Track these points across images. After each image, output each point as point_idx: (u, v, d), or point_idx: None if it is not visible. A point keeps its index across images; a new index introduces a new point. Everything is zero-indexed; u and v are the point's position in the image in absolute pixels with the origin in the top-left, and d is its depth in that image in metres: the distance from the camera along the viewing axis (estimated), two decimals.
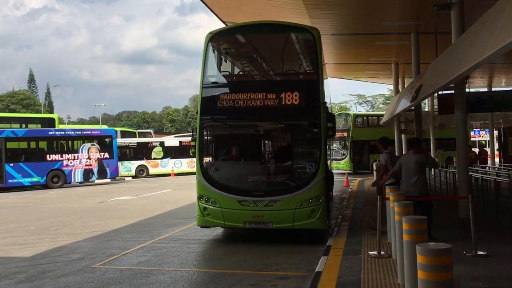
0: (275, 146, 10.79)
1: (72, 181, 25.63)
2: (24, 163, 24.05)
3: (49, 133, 25.85)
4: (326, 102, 9.37)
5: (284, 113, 9.43)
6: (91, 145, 26.11)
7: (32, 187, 24.70)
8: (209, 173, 9.46)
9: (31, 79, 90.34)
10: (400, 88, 25.13)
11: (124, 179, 29.43)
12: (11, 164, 23.64)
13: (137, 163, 31.89)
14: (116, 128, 35.27)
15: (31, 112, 62.56)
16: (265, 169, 9.64)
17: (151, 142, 33.63)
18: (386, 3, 14.34)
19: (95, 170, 26.03)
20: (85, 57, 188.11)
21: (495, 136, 33.59)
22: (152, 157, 32.51)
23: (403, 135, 23.27)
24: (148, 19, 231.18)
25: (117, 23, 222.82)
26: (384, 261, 6.98)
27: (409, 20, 15.90)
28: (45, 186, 24.62)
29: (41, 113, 59.47)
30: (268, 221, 8.89)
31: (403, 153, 23.26)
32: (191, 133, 10.05)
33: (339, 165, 29.96)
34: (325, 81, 10.17)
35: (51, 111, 78.57)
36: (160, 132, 73.06)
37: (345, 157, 30.18)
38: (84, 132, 27.46)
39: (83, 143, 25.93)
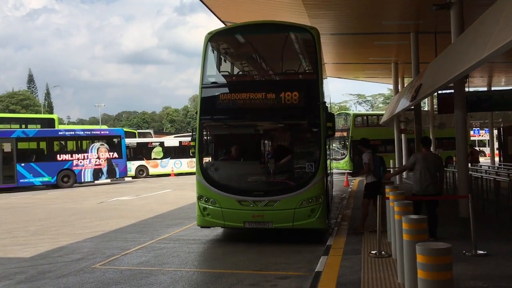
0: (274, 146, 10.79)
1: (82, 180, 25.82)
2: (35, 163, 24.24)
3: (59, 133, 26.29)
4: (325, 102, 9.38)
5: (284, 113, 9.44)
6: (100, 145, 26.29)
7: (39, 187, 24.87)
8: (209, 173, 9.47)
9: (31, 80, 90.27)
10: (399, 88, 25.12)
11: (124, 179, 29.42)
12: (22, 164, 23.82)
13: (137, 163, 31.89)
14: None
15: (30, 113, 62.50)
16: (264, 169, 9.64)
17: (151, 142, 33.65)
18: (385, 2, 14.33)
19: (105, 169, 26.23)
20: (85, 57, 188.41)
21: (494, 135, 33.63)
22: (152, 157, 32.52)
23: (403, 134, 23.26)
24: (148, 19, 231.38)
25: (117, 23, 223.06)
26: (384, 261, 6.98)
27: (408, 19, 15.90)
28: (55, 186, 24.82)
29: (40, 113, 59.46)
30: (268, 221, 8.89)
31: (402, 152, 23.27)
32: (191, 133, 10.06)
33: (339, 165, 29.95)
34: (324, 80, 10.17)
35: (50, 111, 78.52)
36: (160, 132, 73.00)
37: (345, 157, 30.17)
38: (94, 132, 27.76)
39: (92, 143, 26.13)
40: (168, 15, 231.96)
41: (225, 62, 11.06)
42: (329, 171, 11.33)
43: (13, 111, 63.08)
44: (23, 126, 27.95)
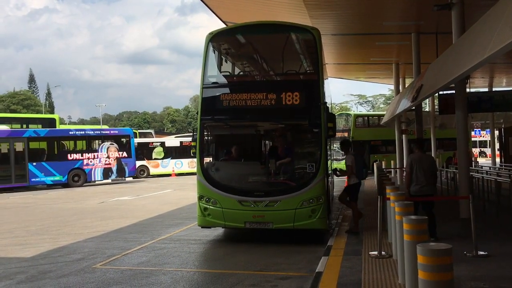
0: (275, 146, 10.78)
1: (92, 179, 26.08)
2: (46, 162, 24.44)
3: (70, 132, 26.65)
4: (326, 102, 9.37)
5: (285, 113, 9.44)
6: (110, 144, 26.50)
7: (49, 186, 25.12)
8: (210, 173, 9.47)
9: (32, 80, 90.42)
10: (400, 88, 25.12)
11: (124, 179, 29.45)
12: (34, 164, 24.00)
13: (138, 163, 31.85)
14: None
15: (31, 113, 62.57)
16: (265, 169, 9.63)
17: (152, 143, 33.67)
18: (386, 3, 14.33)
19: (114, 168, 26.46)
20: (85, 57, 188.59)
21: (495, 136, 33.61)
22: (153, 157, 32.53)
23: (404, 135, 23.24)
24: (148, 19, 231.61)
25: (118, 23, 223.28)
26: (385, 261, 6.98)
27: (409, 20, 15.89)
28: (66, 185, 25.04)
29: (41, 113, 59.49)
30: (268, 221, 8.89)
31: (403, 153, 23.25)
32: (192, 134, 10.06)
33: (340, 165, 29.91)
34: (325, 81, 10.17)
35: (51, 111, 78.59)
36: (160, 132, 73.06)
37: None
38: (103, 132, 28.08)
39: (102, 143, 26.34)
40: (169, 15, 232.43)
41: (226, 62, 11.06)
42: (330, 172, 11.32)
43: (14, 111, 63.11)
44: (24, 126, 28.03)
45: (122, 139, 27.28)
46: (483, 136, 52.09)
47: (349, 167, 9.76)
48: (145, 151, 32.38)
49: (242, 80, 11.19)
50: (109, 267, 7.61)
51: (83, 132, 26.94)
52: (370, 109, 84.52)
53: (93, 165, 25.76)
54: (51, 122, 29.40)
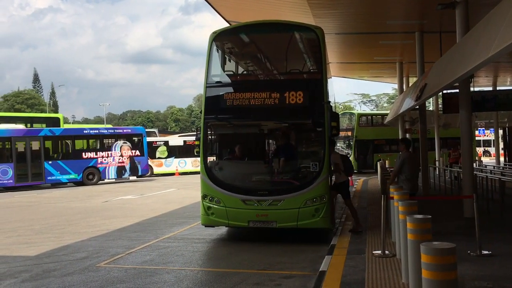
0: (279, 145, 10.78)
1: (106, 178, 26.42)
2: (61, 160, 24.80)
3: (84, 131, 26.97)
4: (330, 101, 9.37)
5: (288, 113, 9.44)
6: (123, 143, 26.84)
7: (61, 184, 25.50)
8: (213, 172, 9.48)
9: (36, 79, 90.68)
10: (404, 87, 25.07)
11: (128, 178, 29.49)
12: (50, 162, 24.35)
13: None
14: None
15: (36, 112, 62.77)
16: (269, 168, 9.64)
17: (156, 142, 33.69)
18: (390, 2, 14.30)
19: (127, 167, 26.80)
20: (89, 56, 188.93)
21: (500, 135, 33.50)
22: (157, 156, 32.57)
23: (407, 134, 23.20)
24: (152, 19, 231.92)
25: (121, 22, 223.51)
26: (389, 261, 6.98)
27: (413, 19, 15.86)
28: (80, 183, 25.36)
29: (46, 112, 59.71)
30: (272, 220, 8.89)
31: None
32: (195, 133, 10.07)
33: None
34: (329, 80, 10.16)
35: (56, 110, 78.81)
36: (164, 131, 73.09)
37: (349, 156, 30.13)
38: (116, 131, 28.61)
39: (115, 141, 26.68)
40: (173, 14, 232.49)
41: (230, 61, 11.07)
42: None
43: (19, 110, 63.36)
44: (28, 125, 28.16)
45: (134, 138, 27.64)
46: (487, 135, 51.92)
47: (338, 165, 9.80)
48: (148, 150, 32.38)
49: (246, 79, 11.20)
50: (113, 265, 7.63)
51: (97, 131, 27.29)
52: (374, 108, 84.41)
53: (107, 163, 26.12)
54: (55, 121, 29.54)
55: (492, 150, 48.99)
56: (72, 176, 25.03)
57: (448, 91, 13.12)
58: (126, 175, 27.07)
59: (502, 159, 32.16)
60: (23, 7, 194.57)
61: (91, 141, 26.66)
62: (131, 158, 26.89)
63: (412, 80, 26.19)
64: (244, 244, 9.30)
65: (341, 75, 30.72)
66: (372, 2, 14.21)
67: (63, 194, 21.12)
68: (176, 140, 35.48)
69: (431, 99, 26.75)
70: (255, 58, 11.37)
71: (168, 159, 32.79)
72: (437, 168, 21.88)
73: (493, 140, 38.59)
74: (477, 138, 44.79)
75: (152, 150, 32.47)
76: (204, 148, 9.46)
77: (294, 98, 9.10)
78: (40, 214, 14.37)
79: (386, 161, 24.42)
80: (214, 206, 9.17)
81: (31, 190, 23.52)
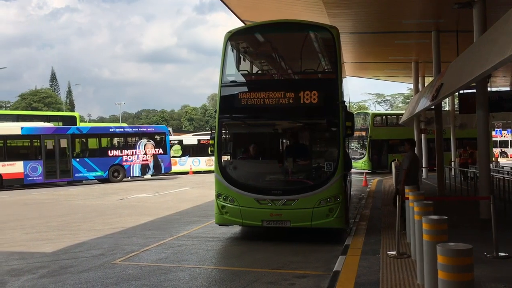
0: (293, 145, 10.78)
1: (131, 175, 27.03)
2: (88, 158, 25.47)
3: (110, 130, 27.80)
4: (344, 101, 9.34)
5: (303, 112, 9.43)
6: (147, 141, 27.40)
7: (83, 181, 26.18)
8: (228, 171, 9.51)
9: (53, 78, 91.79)
10: (420, 87, 24.85)
11: (143, 177, 29.77)
12: (77, 159, 25.01)
13: None
14: None
15: (52, 110, 63.58)
16: (283, 168, 9.64)
17: (170, 140, 33.87)
18: (406, 1, 14.19)
19: (151, 165, 27.41)
20: (105, 56, 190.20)
21: None
22: (171, 155, 32.74)
23: (423, 134, 23.00)
24: (167, 18, 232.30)
25: (137, 22, 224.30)
26: (403, 261, 6.94)
27: (429, 18, 15.72)
28: (106, 180, 25.97)
29: (62, 111, 60.42)
30: (286, 219, 8.89)
31: (422, 152, 23.01)
32: (210, 132, 10.12)
33: (357, 165, 29.78)
34: (343, 80, 10.13)
35: (72, 109, 79.77)
36: (178, 130, 73.49)
37: (364, 157, 29.99)
38: (141, 129, 29.19)
39: (139, 140, 27.23)
40: (188, 14, 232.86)
41: (245, 61, 11.09)
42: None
43: (36, 109, 64.27)
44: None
45: (158, 137, 28.19)
46: (504, 136, 51.23)
47: None
48: None
49: (260, 78, 11.22)
50: (128, 263, 7.72)
51: (122, 130, 28.08)
52: (388, 108, 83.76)
53: (132, 161, 26.76)
54: (71, 120, 30.00)
55: (509, 151, 48.37)
56: (99, 173, 25.67)
57: (465, 91, 12.96)
58: (150, 172, 27.69)
59: None
60: (40, 6, 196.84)
61: (116, 139, 27.30)
62: (155, 156, 27.47)
63: (428, 80, 26.01)
64: (257, 243, 9.33)
65: (356, 74, 30.58)
66: (388, 1, 14.12)
67: (79, 192, 21.38)
68: (190, 139, 35.66)
69: (447, 99, 26.41)
70: (270, 58, 11.37)
71: (182, 158, 32.97)
72: (452, 169, 21.65)
73: (511, 141, 38.05)
74: (493, 139, 44.19)
75: None
76: (218, 147, 9.50)
77: (308, 97, 9.09)
78: (56, 211, 14.57)
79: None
80: (228, 205, 9.20)
81: (59, 187, 23.86)
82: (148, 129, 29.61)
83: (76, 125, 28.91)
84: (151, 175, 28.47)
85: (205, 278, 6.83)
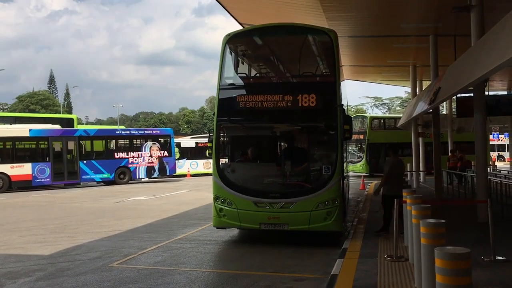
0: (291, 148, 10.79)
1: (137, 177, 27.23)
2: (95, 160, 25.62)
3: (116, 132, 28.28)
4: (343, 104, 9.36)
5: (301, 115, 9.44)
6: (152, 143, 27.64)
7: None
8: (226, 174, 9.50)
9: (52, 80, 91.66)
10: (417, 91, 24.90)
11: (140, 180, 29.75)
12: (84, 162, 25.18)
13: None
14: None
15: (50, 113, 63.46)
16: (281, 171, 9.64)
17: None
18: (404, 5, 14.23)
19: (156, 167, 27.64)
20: (104, 58, 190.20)
21: None
22: None
23: (420, 138, 23.03)
24: (166, 21, 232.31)
25: (136, 24, 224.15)
26: (401, 265, 6.94)
27: (427, 22, 15.75)
28: (112, 182, 26.15)
29: (60, 113, 60.32)
30: (283, 223, 8.89)
31: (420, 156, 23.03)
32: (207, 135, 10.14)
33: (355, 168, 29.81)
34: (342, 83, 10.15)
35: (69, 111, 79.66)
36: (176, 133, 73.41)
37: (361, 160, 30.02)
38: (146, 132, 29.58)
39: (145, 142, 27.45)
40: (186, 16, 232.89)
41: (243, 64, 11.10)
42: (345, 174, 11.29)
43: (33, 111, 64.11)
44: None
45: (163, 139, 28.46)
46: (502, 140, 51.34)
47: None
48: None
49: (259, 81, 11.22)
50: (125, 266, 7.69)
51: (128, 132, 28.47)
52: (386, 111, 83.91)
53: (137, 163, 26.99)
54: (69, 122, 29.95)
55: (506, 154, 48.46)
56: (105, 175, 25.87)
57: (462, 95, 12.99)
58: (155, 175, 27.81)
59: None
60: (39, 8, 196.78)
61: (122, 141, 27.45)
62: (160, 158, 27.70)
63: (426, 84, 26.04)
64: (255, 246, 9.32)
65: (354, 78, 30.61)
66: (386, 5, 14.15)
67: (77, 195, 21.32)
68: (188, 141, 35.62)
69: (444, 102, 26.48)
70: (268, 61, 11.39)
71: (180, 160, 32.87)
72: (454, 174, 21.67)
73: (508, 144, 38.16)
74: (491, 143, 44.30)
75: None
76: (216, 150, 9.49)
77: (307, 101, 9.10)
78: (53, 214, 14.53)
79: None
80: (226, 208, 9.19)
81: (64, 189, 23.80)
82: (154, 132, 29.95)
83: (73, 127, 28.90)
84: (157, 177, 28.58)
85: (203, 281, 6.81)
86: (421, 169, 22.97)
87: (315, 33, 10.14)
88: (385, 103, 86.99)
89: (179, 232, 10.80)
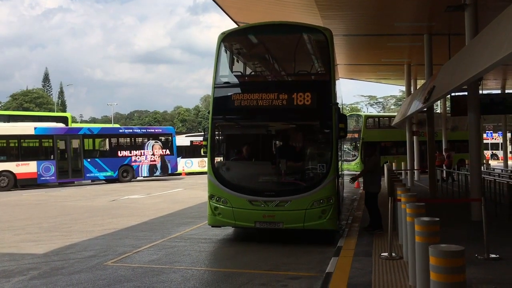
0: (286, 146, 10.79)
1: (139, 175, 27.39)
2: (99, 158, 25.82)
3: (119, 130, 28.49)
4: (337, 103, 9.37)
5: (296, 114, 9.45)
6: (155, 142, 27.86)
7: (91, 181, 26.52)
8: (221, 172, 9.50)
9: (46, 78, 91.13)
10: (412, 90, 24.99)
11: (144, 177, 29.77)
12: (89, 160, 25.27)
13: None
14: None
15: (44, 111, 63.08)
16: (276, 169, 9.65)
17: None
18: (398, 4, 14.28)
19: (159, 165, 27.86)
20: (98, 56, 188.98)
21: (508, 138, 33.31)
22: None
23: (415, 136, 23.13)
24: (161, 19, 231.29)
25: (130, 23, 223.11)
26: (396, 263, 6.97)
27: (421, 21, 15.81)
28: (115, 180, 26.30)
29: (54, 112, 60.02)
30: (278, 221, 8.90)
31: (414, 154, 23.12)
32: (202, 133, 10.11)
33: (350, 166, 29.87)
34: (336, 82, 10.17)
35: (64, 110, 79.21)
36: None
37: (356, 158, 30.08)
38: (149, 131, 29.81)
39: (147, 141, 27.64)
40: (181, 15, 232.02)
41: (238, 62, 11.10)
42: (340, 173, 11.32)
43: (27, 109, 63.73)
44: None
45: (165, 137, 28.64)
46: (495, 139, 51.62)
47: None
48: None
49: (254, 80, 11.21)
50: (120, 264, 7.68)
51: (131, 131, 28.62)
52: (381, 110, 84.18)
53: (140, 161, 27.22)
54: (63, 121, 29.75)
55: (500, 153, 48.71)
56: (109, 173, 26.03)
57: (457, 93, 13.05)
58: (158, 173, 27.96)
59: (510, 162, 31.98)
60: (33, 6, 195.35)
61: (125, 140, 27.58)
62: (162, 156, 27.91)
63: (420, 83, 26.15)
64: (250, 244, 9.32)
65: (348, 76, 30.68)
66: (381, 4, 14.19)
67: (71, 193, 21.25)
68: (183, 140, 35.53)
69: (439, 101, 26.60)
70: (263, 59, 11.38)
71: None
72: (444, 171, 21.79)
73: (501, 143, 38.38)
74: (485, 141, 44.52)
75: None
76: (211, 148, 9.49)
77: (302, 99, 9.11)
78: (48, 213, 14.47)
79: (393, 163, 24.34)
80: (221, 206, 9.19)
81: (71, 187, 23.71)
82: (156, 130, 30.19)
83: (68, 125, 28.78)
84: (159, 176, 28.66)
85: (198, 279, 6.81)
86: (415, 168, 23.06)
87: (310, 32, 10.14)
88: (379, 102, 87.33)
89: (174, 231, 10.79)
